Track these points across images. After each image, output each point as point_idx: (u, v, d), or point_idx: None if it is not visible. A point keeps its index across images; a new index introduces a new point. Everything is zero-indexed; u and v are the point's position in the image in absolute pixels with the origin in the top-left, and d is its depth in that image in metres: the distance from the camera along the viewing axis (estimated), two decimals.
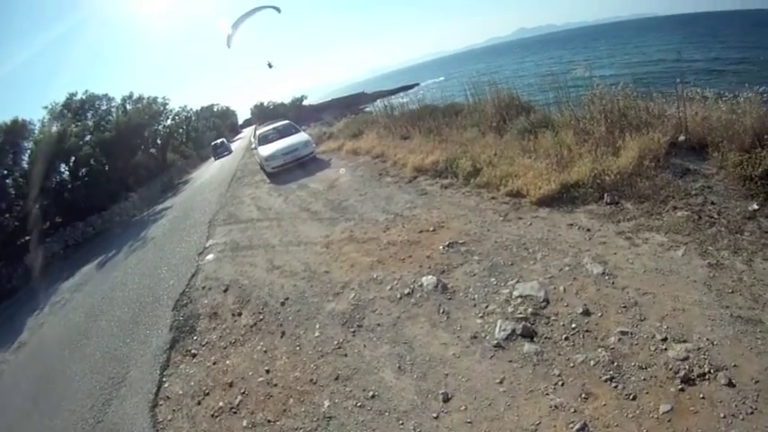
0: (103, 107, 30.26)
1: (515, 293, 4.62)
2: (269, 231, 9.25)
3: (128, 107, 31.79)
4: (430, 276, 5.31)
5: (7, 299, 16.09)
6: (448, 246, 5.98)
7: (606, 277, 4.51)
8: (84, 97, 29.10)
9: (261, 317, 5.95)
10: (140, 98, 33.45)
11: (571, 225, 5.72)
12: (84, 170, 24.43)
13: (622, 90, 7.83)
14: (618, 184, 6.14)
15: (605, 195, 6.03)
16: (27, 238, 21.42)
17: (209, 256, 8.94)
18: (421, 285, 5.24)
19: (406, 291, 5.26)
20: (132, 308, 8.07)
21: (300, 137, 16.33)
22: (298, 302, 5.94)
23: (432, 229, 6.69)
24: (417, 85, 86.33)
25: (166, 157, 38.64)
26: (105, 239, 19.25)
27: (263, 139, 17.33)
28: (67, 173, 24.68)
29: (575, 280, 4.62)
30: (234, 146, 45.82)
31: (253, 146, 18.18)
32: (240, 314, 6.25)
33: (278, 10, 17.39)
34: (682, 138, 6.68)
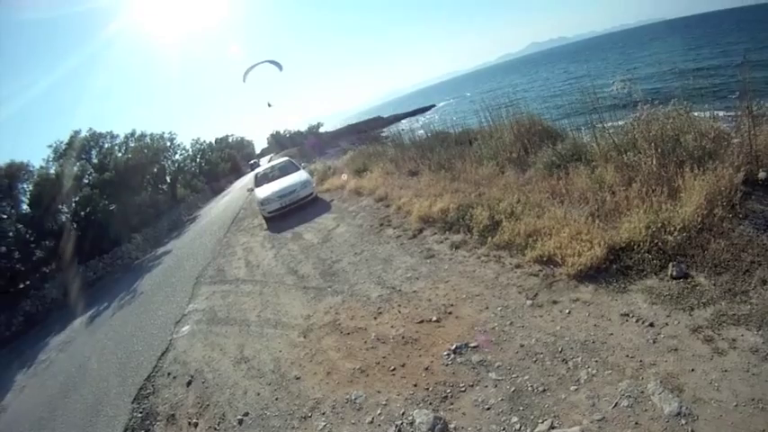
0: (107, 145, 29.59)
1: None
2: (249, 300, 7.97)
3: (130, 145, 31.04)
4: (425, 411, 3.69)
5: (7, 345, 16.07)
6: (454, 351, 4.37)
7: (683, 421, 2.92)
8: (87, 135, 28.44)
9: None
10: (143, 135, 32.89)
11: (626, 316, 4.07)
12: (84, 212, 23.43)
13: (674, 109, 6.23)
14: (684, 246, 4.54)
15: (670, 265, 4.39)
16: (27, 282, 20.79)
17: (185, 328, 8.08)
18: (412, 423, 3.66)
19: (392, 431, 3.71)
20: (99, 387, 7.42)
21: (299, 176, 14.85)
22: (257, 424, 4.57)
23: (435, 318, 5.08)
24: (433, 106, 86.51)
25: (176, 193, 37.94)
26: (103, 286, 18.84)
27: (261, 180, 16.13)
28: (68, 215, 23.84)
29: (637, 426, 3.02)
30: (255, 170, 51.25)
31: (249, 187, 17.01)
32: (196, 425, 5.06)
33: (280, 68, 19.42)
34: (762, 174, 5.10)
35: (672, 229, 4.69)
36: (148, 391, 6.37)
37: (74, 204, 23.90)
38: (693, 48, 46.73)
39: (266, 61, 19.18)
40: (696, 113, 6.28)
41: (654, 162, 5.74)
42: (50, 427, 6.88)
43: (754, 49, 32.63)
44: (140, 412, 5.88)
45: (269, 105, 23.18)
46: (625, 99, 7.12)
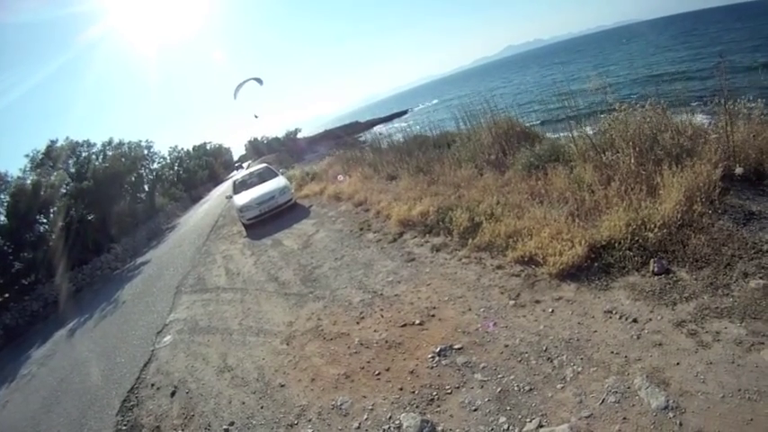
0: (84, 154, 29.07)
1: None
2: (231, 308, 7.90)
3: (108, 154, 30.54)
4: (412, 414, 3.68)
5: None
6: (439, 353, 4.36)
7: (670, 414, 2.94)
8: (64, 144, 27.92)
9: None
10: (120, 143, 32.38)
11: (609, 313, 4.09)
12: (62, 222, 22.97)
13: (651, 108, 6.29)
14: (665, 242, 4.59)
15: (651, 261, 4.43)
16: (6, 295, 20.30)
17: (167, 338, 7.97)
18: (399, 427, 3.63)
19: None
20: (82, 401, 7.21)
21: (277, 182, 14.75)
22: None
23: (418, 321, 5.06)
24: (409, 110, 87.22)
25: (155, 202, 37.41)
26: (83, 297, 18.42)
27: (239, 187, 16.07)
28: (47, 226, 23.35)
29: (625, 421, 3.02)
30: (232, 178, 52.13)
31: (228, 194, 16.88)
32: None
33: (260, 83, 21.31)
34: (739, 169, 5.18)
35: (652, 225, 4.74)
36: (132, 402, 6.27)
37: (52, 215, 23.38)
38: (667, 50, 47.27)
39: (251, 78, 20.47)
40: (676, 119, 6.35)
41: (632, 160, 5.80)
42: None
43: (728, 51, 33.30)
44: (125, 425, 5.79)
45: (255, 117, 23.53)
46: (601, 105, 7.20)
